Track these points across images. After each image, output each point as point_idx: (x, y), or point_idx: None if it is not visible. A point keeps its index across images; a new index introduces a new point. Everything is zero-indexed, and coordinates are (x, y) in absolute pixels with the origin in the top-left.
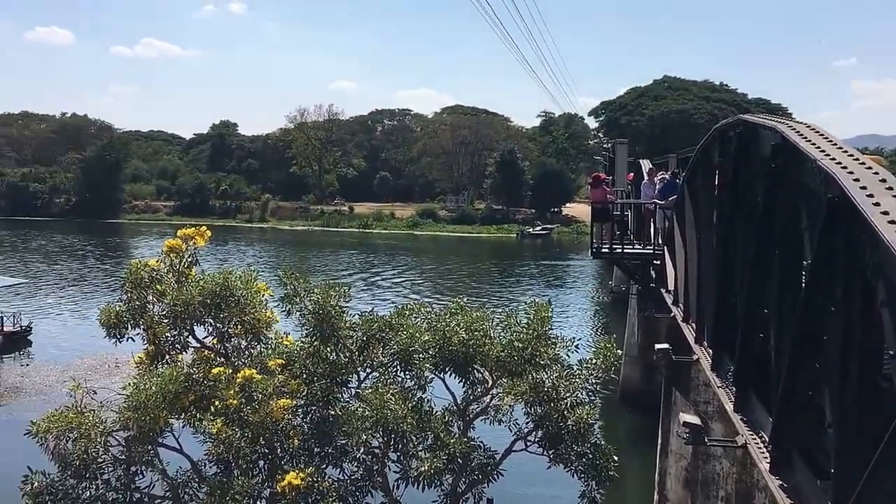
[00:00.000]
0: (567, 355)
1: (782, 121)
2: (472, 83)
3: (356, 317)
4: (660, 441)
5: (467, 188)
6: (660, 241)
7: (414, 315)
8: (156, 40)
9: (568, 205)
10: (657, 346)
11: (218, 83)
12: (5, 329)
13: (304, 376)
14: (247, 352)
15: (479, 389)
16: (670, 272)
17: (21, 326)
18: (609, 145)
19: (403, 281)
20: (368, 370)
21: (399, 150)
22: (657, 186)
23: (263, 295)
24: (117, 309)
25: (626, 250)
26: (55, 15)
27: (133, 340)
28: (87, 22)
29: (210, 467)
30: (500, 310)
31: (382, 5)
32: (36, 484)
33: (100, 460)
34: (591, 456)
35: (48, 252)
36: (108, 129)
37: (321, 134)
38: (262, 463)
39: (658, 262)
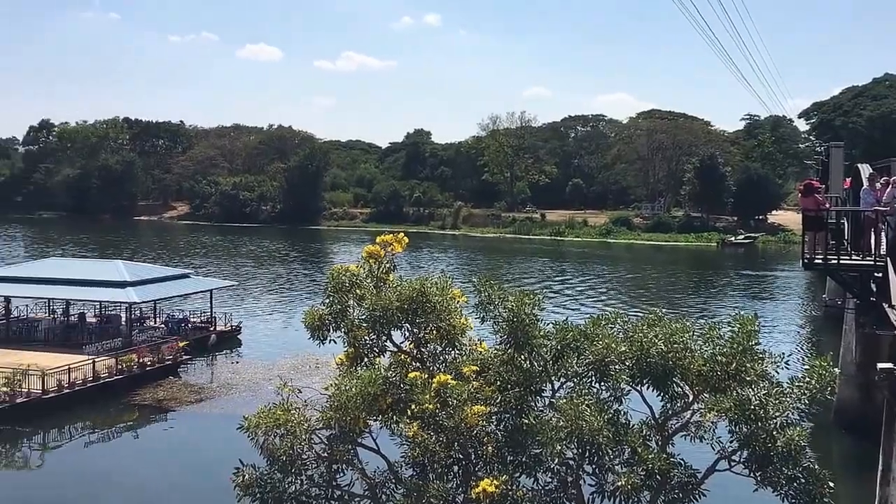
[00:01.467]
0: (776, 372)
1: None
2: (670, 86)
3: (550, 325)
4: (880, 467)
5: (664, 195)
6: (882, 252)
7: (609, 325)
8: (355, 53)
9: (774, 212)
10: (879, 365)
11: (412, 93)
12: (219, 328)
13: (498, 383)
14: (441, 357)
15: (678, 404)
16: (895, 286)
17: (232, 326)
18: (822, 149)
19: (597, 290)
20: (563, 380)
21: (592, 157)
22: (882, 193)
23: (458, 301)
24: (320, 312)
25: (842, 261)
26: (264, 33)
27: (335, 342)
28: (293, 38)
29: (406, 469)
30: (701, 322)
31: (575, 11)
32: (246, 476)
33: (304, 457)
34: (803, 480)
35: (256, 256)
36: (310, 140)
37: (513, 141)
38: (456, 468)
39: (880, 275)
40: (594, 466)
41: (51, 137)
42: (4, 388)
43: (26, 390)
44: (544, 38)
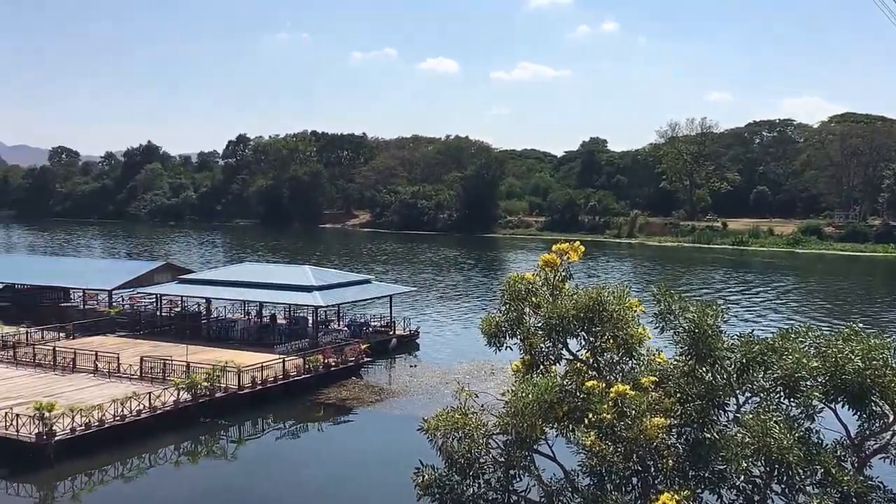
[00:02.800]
0: None
1: None
2: (865, 88)
3: (734, 337)
4: None
5: (859, 203)
6: None
7: (799, 339)
8: (530, 64)
9: None
10: None
11: (588, 101)
12: (398, 332)
13: (679, 395)
14: (619, 367)
15: (877, 424)
16: None
17: (411, 330)
18: None
19: (784, 302)
20: (748, 394)
21: (779, 163)
22: None
23: (636, 311)
24: (497, 319)
25: None
26: (443, 46)
27: (510, 349)
28: (470, 51)
29: (583, 478)
30: None
31: (759, 13)
32: (426, 476)
33: (481, 460)
34: None
35: (434, 263)
36: (486, 149)
37: (693, 148)
38: (635, 480)
39: None
40: (783, 486)
41: (247, 151)
42: (205, 383)
43: (224, 385)
44: (726, 43)
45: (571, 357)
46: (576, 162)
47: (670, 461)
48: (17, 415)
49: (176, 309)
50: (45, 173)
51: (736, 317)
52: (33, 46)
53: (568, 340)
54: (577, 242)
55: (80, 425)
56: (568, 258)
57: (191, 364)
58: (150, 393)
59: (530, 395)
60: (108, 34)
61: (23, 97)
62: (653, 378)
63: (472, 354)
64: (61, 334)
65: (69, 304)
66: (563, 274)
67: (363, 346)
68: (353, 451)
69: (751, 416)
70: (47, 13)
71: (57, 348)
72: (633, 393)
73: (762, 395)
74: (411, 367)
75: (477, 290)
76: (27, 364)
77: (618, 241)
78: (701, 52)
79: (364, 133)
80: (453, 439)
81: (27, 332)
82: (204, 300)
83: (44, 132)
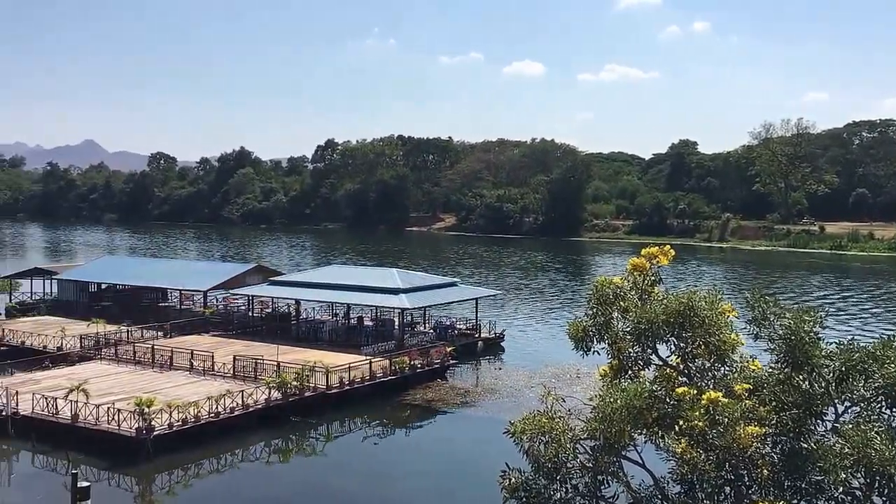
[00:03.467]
0: None
1: None
2: None
3: (832, 345)
4: None
5: None
6: None
7: None
8: (618, 66)
9: None
10: None
11: (677, 103)
12: (483, 335)
13: (774, 404)
14: (710, 373)
15: None
16: None
17: (496, 333)
18: None
19: (886, 308)
20: (847, 404)
21: (880, 164)
22: None
23: (728, 317)
24: (584, 323)
25: None
26: (529, 49)
27: (598, 354)
28: (556, 54)
29: (673, 486)
30: None
31: (856, 11)
32: (512, 480)
33: (569, 465)
34: None
35: (519, 267)
36: (573, 153)
37: (788, 150)
38: (728, 489)
39: None
40: (884, 499)
41: (335, 155)
42: (295, 383)
43: (313, 385)
44: (822, 42)
45: (661, 363)
46: (664, 164)
47: (765, 471)
48: (119, 410)
49: (267, 310)
50: (144, 178)
51: (835, 323)
52: (134, 58)
53: (657, 345)
54: (667, 246)
55: (177, 421)
56: (657, 262)
57: (281, 364)
58: (242, 391)
59: (619, 401)
60: (203, 47)
61: (124, 105)
62: (746, 385)
63: (557, 358)
64: (159, 333)
65: (167, 304)
66: (653, 278)
67: (449, 349)
68: (440, 451)
69: (850, 426)
70: (144, 28)
71: (155, 347)
72: (726, 400)
73: (862, 404)
74: (497, 369)
75: (563, 294)
76: (128, 361)
77: (708, 245)
78: (796, 51)
79: (450, 137)
80: (540, 443)
81: (128, 331)
82: (294, 301)
83: (143, 138)
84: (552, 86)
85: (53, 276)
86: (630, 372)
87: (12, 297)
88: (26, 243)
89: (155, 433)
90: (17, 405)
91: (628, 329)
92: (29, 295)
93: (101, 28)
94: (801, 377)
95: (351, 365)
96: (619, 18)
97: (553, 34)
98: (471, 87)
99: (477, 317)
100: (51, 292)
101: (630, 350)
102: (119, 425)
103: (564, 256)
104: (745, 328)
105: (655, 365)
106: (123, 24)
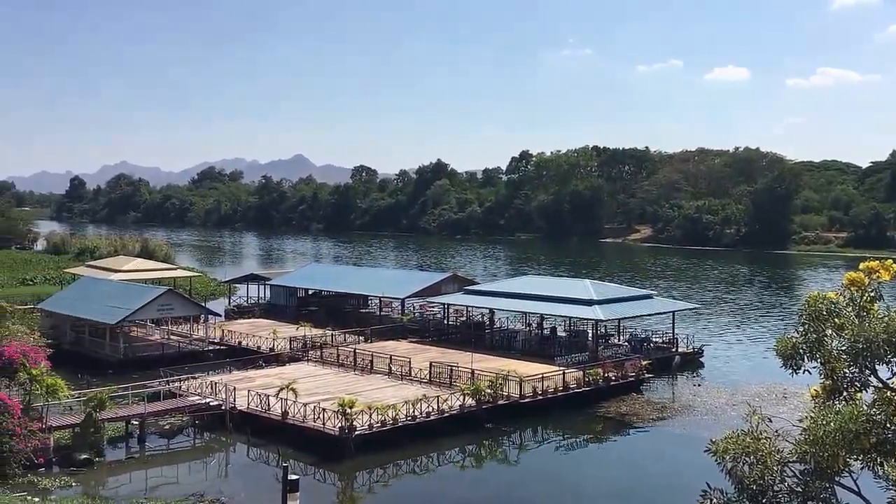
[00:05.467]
0: None
1: None
2: None
3: None
4: None
5: None
6: None
7: None
8: (831, 69)
9: None
10: None
11: None
12: (680, 349)
13: None
14: None
15: None
16: None
17: (694, 348)
18: None
19: None
20: None
21: None
22: None
23: None
24: (794, 340)
25: None
26: (732, 54)
27: (808, 373)
28: (762, 58)
29: None
30: None
31: None
32: (714, 501)
33: (776, 489)
34: None
35: (720, 280)
36: (779, 161)
37: None
38: None
39: None
40: None
41: (528, 166)
42: (489, 390)
43: (506, 394)
44: None
45: (881, 385)
46: (884, 173)
47: None
48: (324, 409)
49: (461, 318)
50: (347, 190)
51: None
52: (339, 79)
53: (877, 366)
54: (889, 261)
55: (377, 422)
56: (877, 277)
57: (475, 371)
58: (438, 396)
59: (832, 423)
60: (400, 68)
61: (330, 121)
62: None
63: (762, 376)
64: (360, 338)
65: (367, 311)
66: (872, 294)
67: (644, 362)
68: (634, 466)
69: None
70: (350, 51)
71: (357, 351)
72: None
73: None
74: (695, 385)
75: (768, 310)
76: (332, 363)
77: None
78: None
79: (646, 147)
80: (744, 464)
81: (332, 335)
82: (488, 310)
83: (347, 152)
84: (757, 92)
85: (266, 282)
86: (845, 394)
87: (231, 301)
88: (243, 251)
89: (356, 433)
90: (234, 401)
91: (843, 348)
92: (245, 299)
93: (310, 53)
94: None
95: (544, 375)
96: (833, 19)
97: (758, 39)
98: (669, 95)
99: (674, 330)
100: (264, 296)
101: (845, 370)
102: (324, 424)
103: (770, 270)
104: None
105: (874, 387)
106: (329, 47)
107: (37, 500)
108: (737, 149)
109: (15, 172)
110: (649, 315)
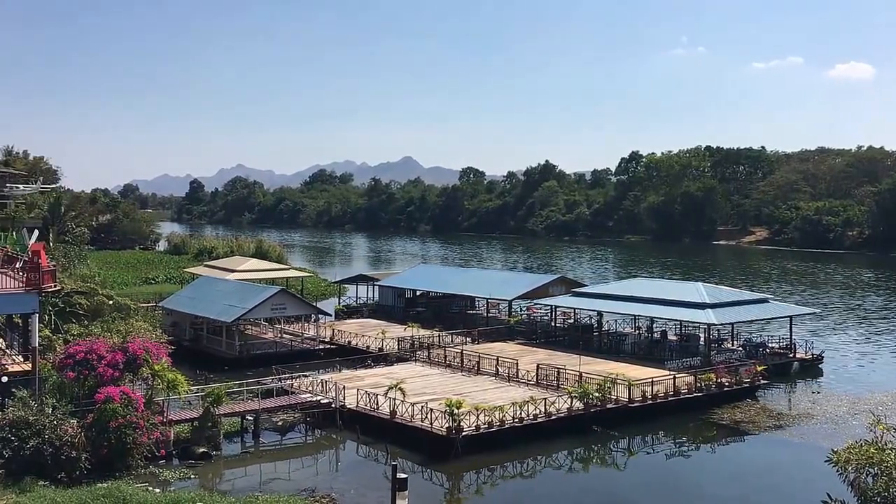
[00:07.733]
0: None
1: None
2: None
3: None
4: None
5: None
6: None
7: None
8: None
9: None
10: None
11: None
12: (798, 355)
13: None
14: None
15: None
16: None
17: (813, 354)
18: None
19: None
20: None
21: None
22: None
23: None
24: None
25: None
26: (857, 50)
27: None
28: (886, 53)
29: None
30: None
31: None
32: None
33: None
34: None
35: (841, 284)
36: None
37: None
38: None
39: None
40: None
41: (638, 167)
42: (597, 394)
43: (615, 397)
44: None
45: None
46: None
47: None
48: (431, 409)
49: (569, 320)
50: (455, 192)
51: None
52: (446, 82)
53: None
54: None
55: (484, 423)
56: None
57: (583, 374)
58: (545, 399)
59: None
60: (504, 67)
61: (438, 124)
62: None
63: (887, 385)
64: (467, 339)
65: (474, 312)
66: None
67: (759, 368)
68: (750, 475)
69: None
70: (455, 56)
71: (464, 352)
72: None
73: None
74: (814, 393)
75: (894, 316)
76: (439, 364)
77: None
78: None
79: (763, 146)
80: (868, 475)
81: (439, 336)
82: (596, 313)
83: (455, 153)
84: (883, 89)
85: (375, 283)
86: None
87: (340, 301)
88: (352, 252)
89: (463, 433)
90: (344, 399)
91: None
92: (354, 299)
93: (415, 54)
94: None
95: (654, 379)
96: None
97: (887, 32)
98: (787, 94)
99: (792, 336)
100: (372, 297)
101: None
102: (431, 424)
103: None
104: None
105: None
106: (435, 48)
107: (157, 491)
108: (860, 148)
109: (139, 175)
110: (765, 319)
